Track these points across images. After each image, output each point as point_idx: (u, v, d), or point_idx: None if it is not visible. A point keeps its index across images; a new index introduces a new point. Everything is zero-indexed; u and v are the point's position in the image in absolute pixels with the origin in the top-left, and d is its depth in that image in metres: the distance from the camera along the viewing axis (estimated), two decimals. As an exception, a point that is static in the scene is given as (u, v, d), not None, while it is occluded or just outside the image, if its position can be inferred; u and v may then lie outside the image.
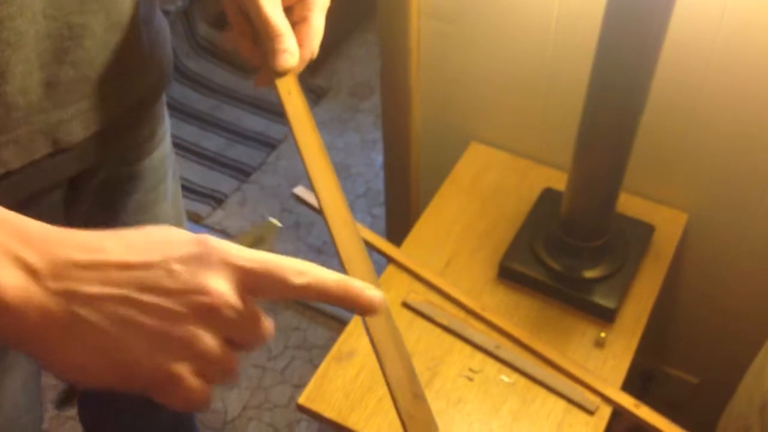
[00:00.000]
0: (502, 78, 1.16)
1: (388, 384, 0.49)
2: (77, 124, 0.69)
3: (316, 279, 0.45)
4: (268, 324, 0.46)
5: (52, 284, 0.41)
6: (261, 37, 0.64)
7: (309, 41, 0.65)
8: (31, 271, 0.41)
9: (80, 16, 0.62)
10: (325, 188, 0.57)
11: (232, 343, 0.45)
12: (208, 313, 0.43)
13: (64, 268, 0.42)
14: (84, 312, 0.41)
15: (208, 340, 0.43)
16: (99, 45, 0.65)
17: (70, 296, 0.41)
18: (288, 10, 0.66)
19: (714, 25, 0.96)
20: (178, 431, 1.24)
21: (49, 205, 0.77)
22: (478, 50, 1.15)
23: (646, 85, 0.86)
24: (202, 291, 0.42)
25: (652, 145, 1.10)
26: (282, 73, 0.64)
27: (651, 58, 0.83)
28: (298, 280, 0.44)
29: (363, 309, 0.47)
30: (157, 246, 0.43)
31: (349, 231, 0.54)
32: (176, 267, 0.42)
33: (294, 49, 0.64)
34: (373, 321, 0.50)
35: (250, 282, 0.44)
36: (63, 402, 0.55)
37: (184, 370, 0.43)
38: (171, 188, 0.96)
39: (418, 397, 0.49)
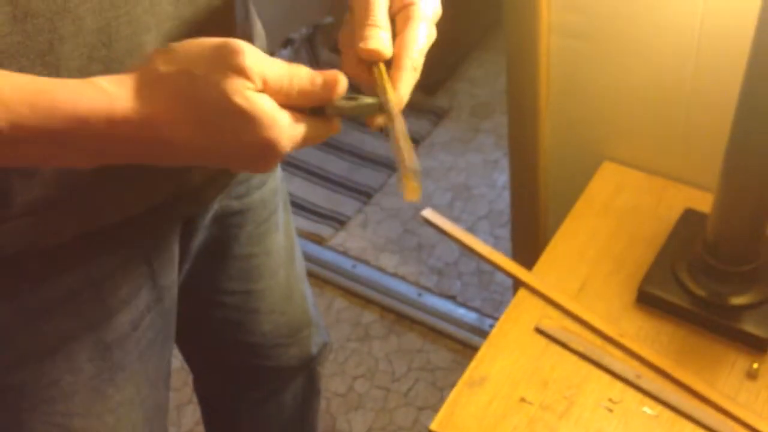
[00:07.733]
0: (639, 94, 1.12)
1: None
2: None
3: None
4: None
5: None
6: (356, 30, 0.59)
7: (404, 52, 0.58)
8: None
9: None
10: None
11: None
12: None
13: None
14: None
15: None
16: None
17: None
18: (393, 23, 0.60)
19: None
20: None
21: (165, 241, 0.78)
22: (612, 66, 1.12)
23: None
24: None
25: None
26: (369, 60, 0.59)
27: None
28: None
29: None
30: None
31: None
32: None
33: (381, 39, 0.58)
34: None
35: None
36: None
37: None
38: (282, 219, 0.97)
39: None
